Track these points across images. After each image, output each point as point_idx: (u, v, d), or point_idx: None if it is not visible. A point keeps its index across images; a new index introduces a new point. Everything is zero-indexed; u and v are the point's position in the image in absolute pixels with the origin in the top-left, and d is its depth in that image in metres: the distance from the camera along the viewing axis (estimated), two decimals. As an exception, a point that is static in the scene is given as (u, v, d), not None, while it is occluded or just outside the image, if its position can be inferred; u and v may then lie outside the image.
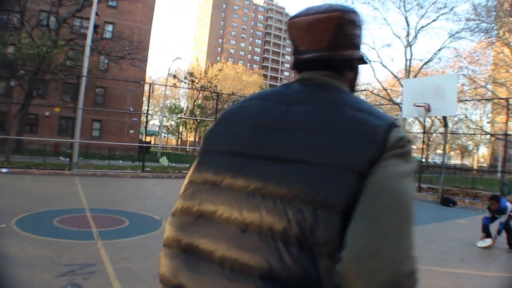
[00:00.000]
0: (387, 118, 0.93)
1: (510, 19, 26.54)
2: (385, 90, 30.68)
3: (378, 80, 31.20)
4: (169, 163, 20.60)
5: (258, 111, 1.02)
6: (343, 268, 0.76)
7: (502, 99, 26.36)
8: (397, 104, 30.05)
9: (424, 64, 29.26)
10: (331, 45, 1.03)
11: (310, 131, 0.92)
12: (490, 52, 30.68)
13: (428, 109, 13.67)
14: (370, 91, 32.26)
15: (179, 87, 31.52)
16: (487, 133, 36.28)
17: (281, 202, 0.84)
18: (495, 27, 26.76)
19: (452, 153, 63.95)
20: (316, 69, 1.07)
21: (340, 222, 0.80)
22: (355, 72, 1.12)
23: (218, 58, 76.39)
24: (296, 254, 0.79)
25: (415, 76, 28.47)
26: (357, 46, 1.07)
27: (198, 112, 32.19)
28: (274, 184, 0.87)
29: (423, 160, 32.15)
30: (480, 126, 37.61)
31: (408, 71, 28.54)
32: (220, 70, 38.22)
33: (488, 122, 41.09)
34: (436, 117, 24.49)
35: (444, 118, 15.06)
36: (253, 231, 0.84)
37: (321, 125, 0.92)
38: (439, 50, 29.09)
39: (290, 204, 0.84)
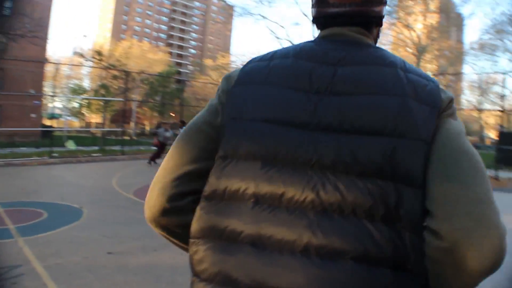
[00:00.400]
0: (433, 78, 0.88)
1: (410, 2, 28.56)
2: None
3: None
4: (77, 147, 19.35)
5: (298, 71, 0.88)
6: (449, 241, 0.70)
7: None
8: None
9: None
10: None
11: (370, 96, 0.82)
12: (390, 33, 32.72)
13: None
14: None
15: (88, 66, 29.52)
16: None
17: (359, 179, 0.76)
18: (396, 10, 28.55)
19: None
20: (345, 24, 0.96)
21: (421, 194, 0.75)
22: (379, 29, 1.04)
23: (123, 35, 72.70)
24: (385, 231, 0.73)
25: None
26: (385, 2, 0.98)
27: (103, 92, 30.55)
28: (347, 159, 0.77)
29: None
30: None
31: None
32: (130, 47, 36.51)
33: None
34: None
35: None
36: (334, 212, 0.75)
37: (380, 88, 0.83)
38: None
39: (369, 180, 0.76)
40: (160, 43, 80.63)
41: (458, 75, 40.07)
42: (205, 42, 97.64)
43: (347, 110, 0.81)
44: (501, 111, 25.27)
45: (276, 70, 0.90)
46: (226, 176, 0.83)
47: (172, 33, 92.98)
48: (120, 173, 11.58)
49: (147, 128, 47.44)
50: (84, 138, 26.69)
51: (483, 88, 43.99)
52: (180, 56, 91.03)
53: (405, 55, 33.47)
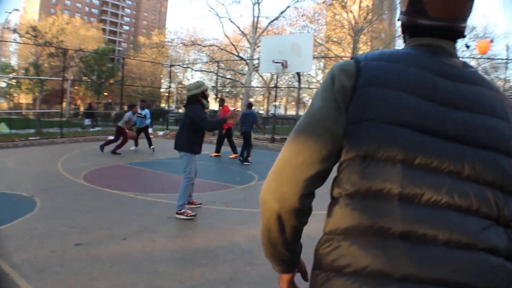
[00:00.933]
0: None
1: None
2: (233, 45, 31.07)
3: (226, 36, 31.34)
4: (10, 130, 18.00)
5: (424, 81, 0.95)
6: None
7: (340, 57, 28.98)
8: (244, 59, 30.88)
9: (270, 22, 30.23)
10: (466, 16, 1.04)
11: (485, 116, 0.93)
12: (329, 13, 33.29)
13: (285, 66, 14.31)
14: (218, 46, 32.42)
15: (21, 43, 27.23)
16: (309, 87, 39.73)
17: (486, 188, 0.88)
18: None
19: (288, 105, 68.89)
20: (441, 37, 1.05)
21: None
22: None
23: (53, 10, 67.99)
24: (503, 231, 0.89)
25: (262, 33, 29.37)
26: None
27: (34, 71, 28.51)
28: (475, 169, 0.89)
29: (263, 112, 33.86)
30: (318, 80, 40.83)
31: (255, 27, 29.19)
32: (67, 23, 34.21)
33: (323, 77, 44.84)
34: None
35: (298, 74, 15.96)
36: (464, 211, 0.87)
37: (494, 112, 0.95)
38: (286, 8, 30.45)
39: (491, 189, 0.89)
40: (93, 19, 76.46)
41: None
42: (139, 18, 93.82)
43: (469, 125, 0.91)
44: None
45: (404, 76, 0.95)
46: (369, 176, 0.89)
47: (105, 8, 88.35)
48: (64, 157, 10.94)
49: (81, 108, 45.19)
50: (15, 120, 24.91)
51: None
52: (113, 33, 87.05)
53: (342, 36, 34.32)
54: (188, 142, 5.53)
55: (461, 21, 1.03)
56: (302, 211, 0.98)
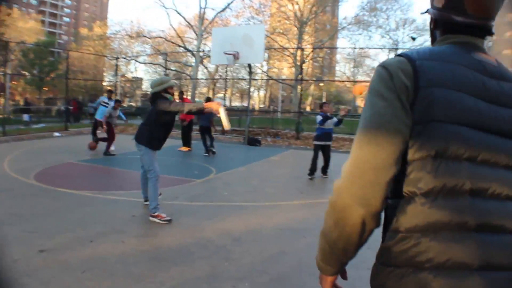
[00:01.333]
0: None
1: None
2: (179, 37, 30.49)
3: (173, 27, 30.69)
4: None
5: (475, 81, 1.01)
6: None
7: (285, 48, 29.18)
8: (190, 51, 30.42)
9: (218, 13, 29.90)
10: (496, 15, 1.09)
11: None
12: (275, 5, 33.39)
13: (237, 57, 14.17)
14: (165, 38, 31.71)
15: None
16: (271, 78, 39.87)
17: None
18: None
19: (233, 96, 68.85)
20: (474, 35, 1.11)
21: None
22: None
23: (-14, 0, 63.40)
24: None
25: (209, 25, 29.01)
26: None
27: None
28: None
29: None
30: (265, 72, 40.95)
31: (201, 19, 28.77)
32: (9, 14, 32.03)
33: (269, 68, 45.06)
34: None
35: (249, 65, 15.87)
36: None
37: None
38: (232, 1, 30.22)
39: None
40: (31, 10, 72.19)
41: (333, 48, 42.68)
42: (80, 10, 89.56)
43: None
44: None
45: (459, 77, 1.00)
46: (442, 175, 0.94)
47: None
48: (9, 157, 10.23)
49: (21, 103, 42.70)
50: None
51: (357, 61, 47.59)
52: (53, 25, 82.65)
53: (288, 27, 34.60)
54: (150, 136, 5.29)
55: (492, 20, 1.09)
56: (381, 214, 1.00)
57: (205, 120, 11.83)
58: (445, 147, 0.94)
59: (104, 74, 50.16)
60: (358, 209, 0.95)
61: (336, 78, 53.31)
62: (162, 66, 27.49)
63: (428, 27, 1.29)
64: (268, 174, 9.43)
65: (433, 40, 1.24)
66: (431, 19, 1.19)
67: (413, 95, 0.97)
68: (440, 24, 1.15)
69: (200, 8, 28.71)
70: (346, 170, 0.99)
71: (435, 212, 0.93)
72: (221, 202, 6.40)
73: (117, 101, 11.73)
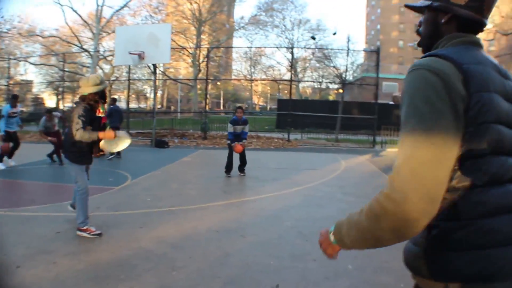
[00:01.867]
0: None
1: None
2: (75, 36, 28.44)
3: (69, 26, 28.49)
4: None
5: (501, 83, 1.14)
6: None
7: (183, 48, 28.70)
8: (87, 51, 28.58)
9: (116, 11, 28.39)
10: None
11: None
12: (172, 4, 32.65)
13: (142, 57, 13.60)
14: (60, 38, 29.33)
15: None
16: (171, 79, 39.01)
17: None
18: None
19: (130, 98, 66.01)
20: (477, 33, 1.23)
21: None
22: None
23: None
24: None
25: (106, 23, 27.48)
26: None
27: None
28: None
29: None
30: (162, 71, 39.87)
31: (98, 17, 27.13)
32: None
33: (166, 68, 43.98)
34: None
35: (154, 65, 15.32)
36: None
37: None
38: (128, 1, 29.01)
39: None
40: None
41: (232, 48, 43.13)
42: None
43: None
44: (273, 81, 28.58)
45: (492, 79, 1.11)
46: (497, 167, 1.08)
47: None
48: None
49: None
50: None
51: (253, 60, 48.60)
52: None
53: (185, 26, 34.12)
54: (74, 150, 4.72)
55: None
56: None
57: (115, 122, 11.10)
58: (495, 144, 1.07)
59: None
60: (428, 208, 0.97)
61: (233, 77, 53.89)
62: (56, 67, 25.28)
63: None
64: (186, 176, 9.23)
65: (432, 36, 1.27)
66: (440, 14, 1.22)
67: (467, 101, 1.04)
68: (456, 21, 1.20)
69: (97, 6, 27.04)
70: (408, 172, 0.98)
71: (498, 197, 1.07)
72: (147, 209, 6.08)
73: (48, 110, 10.58)
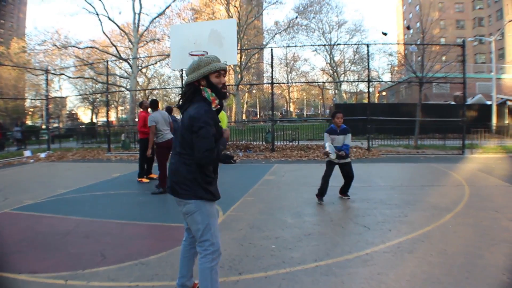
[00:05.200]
0: None
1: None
2: (114, 46, 26.97)
3: (106, 35, 27.09)
4: None
5: None
6: None
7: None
8: (125, 60, 27.16)
9: (154, 18, 26.84)
10: None
11: None
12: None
13: (205, 59, 11.54)
14: (97, 48, 27.98)
15: None
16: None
17: None
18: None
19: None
20: None
21: None
22: None
23: None
24: None
25: (144, 31, 25.96)
26: None
27: None
28: None
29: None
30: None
31: (136, 25, 25.60)
32: None
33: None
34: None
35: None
36: None
37: None
38: (169, 5, 27.64)
39: None
40: None
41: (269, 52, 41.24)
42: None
43: None
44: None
45: None
46: None
47: None
48: None
49: None
50: None
51: (289, 65, 46.71)
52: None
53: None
54: (199, 178, 2.79)
55: None
56: None
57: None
58: None
59: (26, 94, 44.39)
60: None
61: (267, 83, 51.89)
62: (93, 79, 23.92)
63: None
64: (289, 203, 6.99)
65: None
66: None
67: None
68: None
69: (134, 13, 25.49)
70: None
71: None
72: (283, 268, 3.91)
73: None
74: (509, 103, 27.48)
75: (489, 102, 25.65)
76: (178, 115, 13.82)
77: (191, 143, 2.71)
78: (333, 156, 6.62)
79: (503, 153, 14.56)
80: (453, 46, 18.60)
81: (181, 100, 2.92)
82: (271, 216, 6.05)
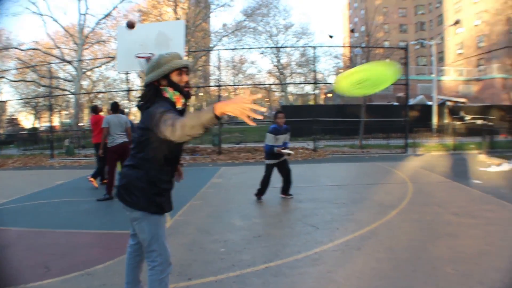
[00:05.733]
0: None
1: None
2: (58, 47, 25.87)
3: (50, 37, 25.94)
4: None
5: None
6: None
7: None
8: (70, 62, 26.18)
9: (100, 20, 25.97)
10: None
11: None
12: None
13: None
14: (40, 50, 26.72)
15: None
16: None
17: None
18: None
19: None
20: None
21: None
22: None
23: None
24: None
25: (90, 33, 25.08)
26: None
27: None
28: None
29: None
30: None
31: (82, 27, 24.69)
32: None
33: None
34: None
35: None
36: None
37: None
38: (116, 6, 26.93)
39: None
40: None
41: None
42: None
43: None
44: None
45: None
46: None
47: None
48: None
49: None
50: None
51: (237, 67, 46.80)
52: None
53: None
54: (147, 189, 2.62)
55: None
56: None
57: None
58: None
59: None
60: None
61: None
62: (36, 82, 22.80)
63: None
64: (238, 205, 6.99)
65: None
66: None
67: None
68: None
69: (80, 14, 24.56)
70: None
71: None
72: (233, 271, 3.88)
73: None
74: (448, 103, 29.06)
75: (430, 103, 26.95)
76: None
77: (146, 143, 2.55)
78: (290, 153, 6.89)
79: (443, 151, 15.36)
80: (397, 49, 19.40)
81: (141, 102, 2.66)
82: (219, 219, 6.01)
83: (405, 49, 16.26)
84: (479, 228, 5.23)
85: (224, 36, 36.48)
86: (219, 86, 15.92)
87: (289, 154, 6.91)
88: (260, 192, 7.08)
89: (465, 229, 5.17)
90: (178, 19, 29.13)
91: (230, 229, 5.43)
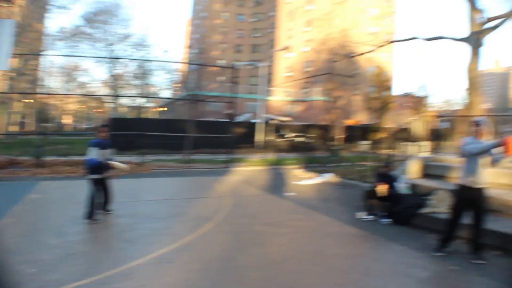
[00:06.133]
0: None
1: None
2: None
3: None
4: None
5: None
6: None
7: None
8: None
9: None
10: None
11: None
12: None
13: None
14: None
15: None
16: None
17: None
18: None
19: None
20: None
21: None
22: None
23: None
24: None
25: None
26: None
27: None
28: None
29: None
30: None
31: None
32: None
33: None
34: None
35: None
36: None
37: None
38: None
39: None
40: None
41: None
42: None
43: None
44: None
45: None
46: None
47: None
48: None
49: None
50: None
51: (70, 75, 43.56)
52: None
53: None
54: None
55: None
56: None
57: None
58: None
59: None
60: None
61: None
62: None
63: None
64: (55, 221, 6.72)
65: None
66: None
67: None
68: None
69: None
70: None
71: None
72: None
73: None
74: (273, 121, 31.97)
75: (254, 120, 29.26)
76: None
77: None
78: (123, 165, 6.94)
79: (264, 166, 16.94)
80: (226, 68, 20.75)
81: None
82: (33, 238, 5.74)
83: (233, 68, 17.53)
84: (286, 236, 6.12)
85: (59, 39, 33.90)
86: (47, 94, 14.75)
87: (122, 168, 7.01)
88: (92, 213, 6.74)
89: (274, 238, 6.00)
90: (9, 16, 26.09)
91: (44, 248, 5.26)
